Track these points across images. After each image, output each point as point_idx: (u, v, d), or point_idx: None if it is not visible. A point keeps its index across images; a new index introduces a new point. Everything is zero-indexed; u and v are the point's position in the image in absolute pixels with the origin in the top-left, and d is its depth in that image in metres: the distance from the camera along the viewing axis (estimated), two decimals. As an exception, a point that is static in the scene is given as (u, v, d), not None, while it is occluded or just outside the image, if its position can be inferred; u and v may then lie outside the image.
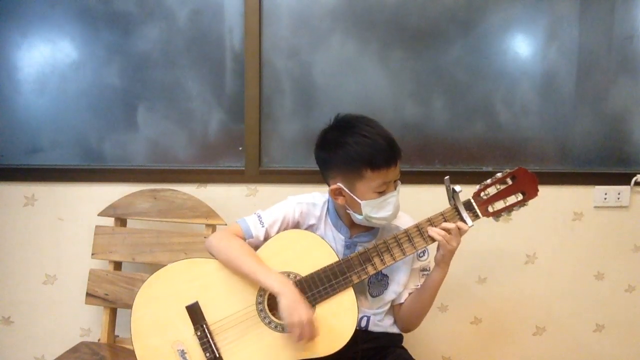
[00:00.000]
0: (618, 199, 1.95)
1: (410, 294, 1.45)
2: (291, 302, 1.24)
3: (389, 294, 1.44)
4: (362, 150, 1.30)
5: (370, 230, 1.43)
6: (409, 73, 1.89)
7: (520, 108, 1.93)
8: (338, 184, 1.35)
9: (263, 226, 1.39)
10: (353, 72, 1.87)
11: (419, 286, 1.45)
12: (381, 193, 1.33)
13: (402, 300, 1.45)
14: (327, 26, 1.84)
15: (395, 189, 1.35)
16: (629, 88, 1.97)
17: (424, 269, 1.46)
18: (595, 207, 1.95)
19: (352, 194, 1.34)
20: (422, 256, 1.46)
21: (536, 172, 1.36)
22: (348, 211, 1.39)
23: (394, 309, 1.48)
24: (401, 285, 1.44)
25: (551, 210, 1.93)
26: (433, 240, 1.33)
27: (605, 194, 1.95)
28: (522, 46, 1.93)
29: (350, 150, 1.31)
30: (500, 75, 1.92)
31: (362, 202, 1.33)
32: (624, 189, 1.95)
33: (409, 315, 1.45)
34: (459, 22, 1.88)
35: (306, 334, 1.24)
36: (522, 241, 1.95)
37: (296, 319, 1.23)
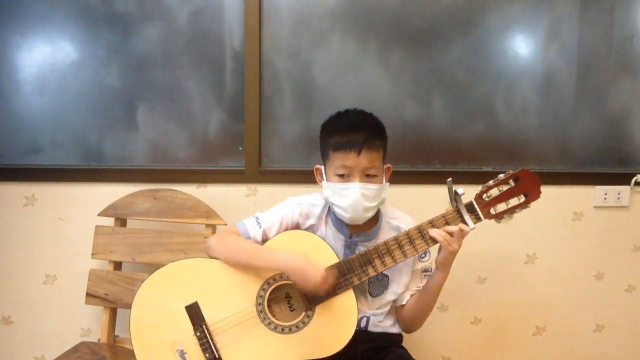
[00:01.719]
0: (618, 199, 1.95)
1: (412, 295, 1.45)
2: (298, 273, 1.26)
3: (389, 295, 1.44)
4: (329, 129, 1.39)
5: (370, 229, 1.43)
6: (409, 73, 1.88)
7: (520, 108, 1.93)
8: (320, 165, 1.42)
9: (260, 227, 1.39)
10: (353, 72, 1.86)
11: (420, 287, 1.44)
12: (342, 177, 1.34)
13: (403, 302, 1.45)
14: (327, 26, 1.84)
15: (359, 181, 1.33)
16: (629, 88, 1.97)
17: (425, 270, 1.46)
18: (595, 207, 1.95)
19: (324, 176, 1.39)
20: (423, 257, 1.46)
21: (536, 172, 1.36)
22: None
23: (396, 310, 1.47)
24: (402, 286, 1.44)
25: (551, 210, 1.93)
26: (434, 241, 1.33)
27: (605, 194, 1.95)
28: (522, 46, 1.93)
29: (324, 129, 1.41)
30: (500, 75, 1.92)
31: (325, 183, 1.38)
32: (624, 189, 1.95)
33: (412, 317, 1.45)
34: (459, 22, 1.88)
35: (324, 292, 1.28)
36: (522, 241, 1.95)
37: (311, 287, 1.26)
